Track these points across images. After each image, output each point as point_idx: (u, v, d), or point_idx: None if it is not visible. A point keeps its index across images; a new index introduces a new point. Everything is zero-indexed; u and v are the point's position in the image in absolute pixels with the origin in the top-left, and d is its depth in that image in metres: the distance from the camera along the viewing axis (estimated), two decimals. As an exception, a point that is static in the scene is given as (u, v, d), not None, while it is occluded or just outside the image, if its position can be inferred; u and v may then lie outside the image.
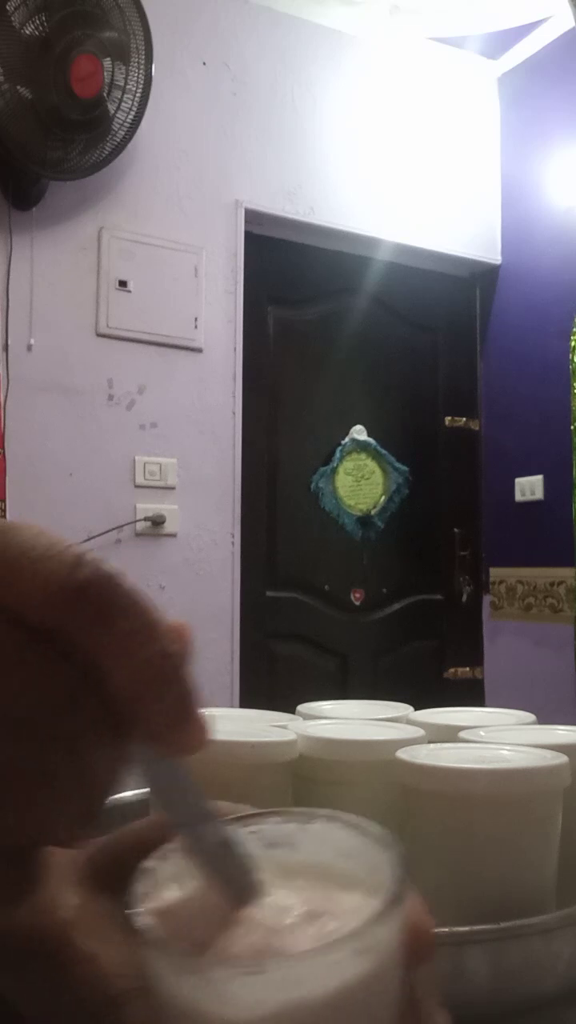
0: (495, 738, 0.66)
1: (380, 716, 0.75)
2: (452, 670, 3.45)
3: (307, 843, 0.30)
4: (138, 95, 2.61)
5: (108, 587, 0.26)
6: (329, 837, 0.29)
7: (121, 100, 2.59)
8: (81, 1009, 0.29)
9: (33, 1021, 0.32)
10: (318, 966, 0.24)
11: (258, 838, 0.30)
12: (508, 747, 0.61)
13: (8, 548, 0.25)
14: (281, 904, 0.28)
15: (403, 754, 0.59)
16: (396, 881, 0.26)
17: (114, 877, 0.29)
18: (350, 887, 0.28)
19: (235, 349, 2.95)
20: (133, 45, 2.56)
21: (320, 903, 0.27)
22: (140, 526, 2.75)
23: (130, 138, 2.65)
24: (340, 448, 3.25)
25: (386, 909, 0.25)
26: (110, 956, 0.30)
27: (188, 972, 0.25)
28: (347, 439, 3.27)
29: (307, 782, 0.63)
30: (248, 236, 3.01)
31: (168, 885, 0.28)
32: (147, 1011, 0.28)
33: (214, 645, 2.84)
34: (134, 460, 2.76)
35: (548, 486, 3.22)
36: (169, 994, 0.25)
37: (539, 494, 3.26)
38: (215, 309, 2.92)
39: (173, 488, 2.82)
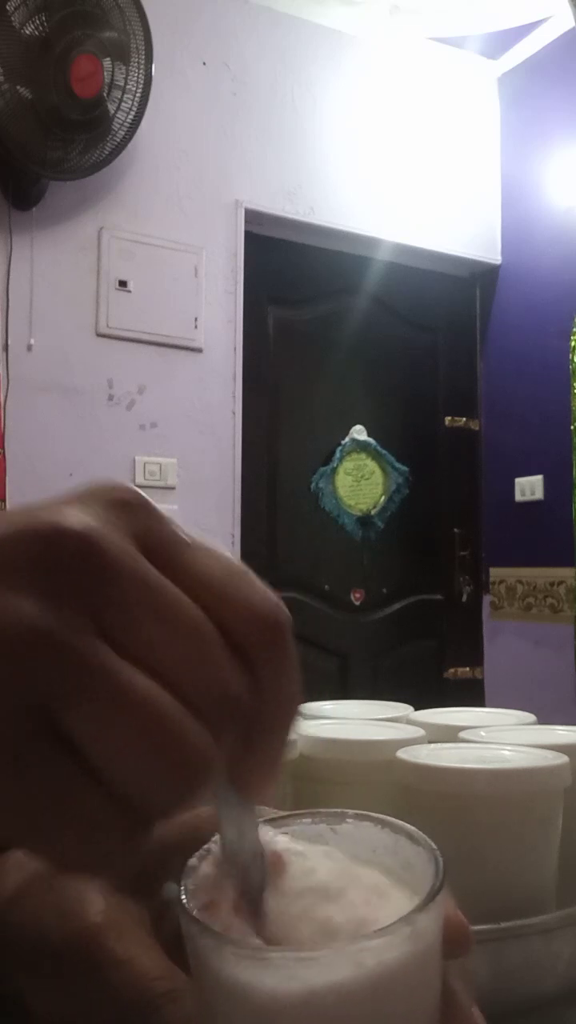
0: (495, 738, 0.66)
1: (380, 716, 0.75)
2: (452, 670, 3.45)
3: (340, 842, 0.30)
4: (138, 95, 2.61)
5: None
6: (361, 836, 0.30)
7: (121, 100, 2.59)
8: (121, 1011, 0.29)
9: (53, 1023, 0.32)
10: (365, 953, 0.25)
11: (291, 839, 0.30)
12: (508, 747, 0.61)
13: None
14: (326, 895, 0.28)
15: (403, 754, 0.59)
16: (436, 874, 0.27)
17: (138, 882, 0.29)
18: (389, 881, 0.29)
19: (235, 349, 2.95)
20: (133, 45, 2.56)
21: (362, 896, 0.28)
22: (140, 526, 2.75)
23: (130, 138, 2.65)
24: (340, 448, 3.25)
25: (428, 900, 0.26)
26: (146, 958, 0.30)
27: (244, 956, 0.25)
28: (347, 439, 3.27)
29: (307, 782, 0.63)
30: (248, 236, 3.01)
31: (210, 881, 0.29)
32: (186, 1012, 0.29)
33: (214, 645, 2.84)
34: (134, 460, 2.76)
35: (548, 486, 3.22)
36: (219, 977, 0.25)
37: (539, 494, 3.26)
38: (215, 309, 2.92)
39: (173, 488, 2.82)
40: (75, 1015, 0.31)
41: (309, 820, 0.31)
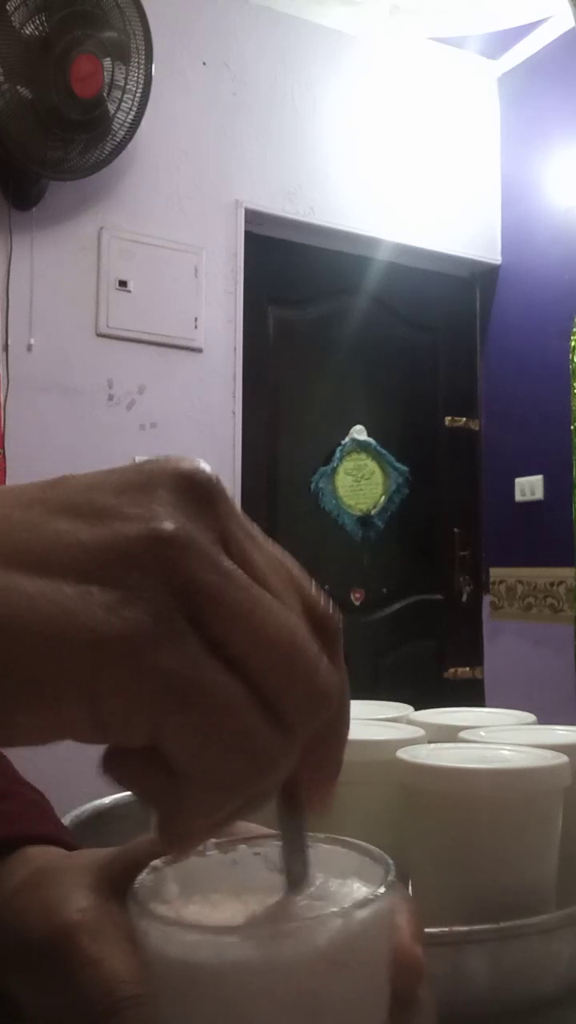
0: (495, 738, 0.66)
1: (380, 716, 0.75)
2: (452, 670, 3.45)
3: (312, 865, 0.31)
4: (138, 95, 2.61)
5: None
6: (333, 860, 0.31)
7: (121, 100, 2.59)
8: (83, 1011, 0.29)
9: (38, 1020, 0.32)
10: (302, 931, 0.26)
11: (263, 860, 0.31)
12: (508, 747, 0.61)
13: None
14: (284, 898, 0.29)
15: (403, 754, 0.59)
16: (384, 883, 0.28)
17: (126, 886, 0.30)
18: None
19: (235, 349, 2.95)
20: (133, 45, 2.56)
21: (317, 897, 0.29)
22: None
23: (130, 138, 2.65)
24: (340, 448, 3.25)
25: (363, 903, 0.27)
26: (115, 961, 0.30)
27: (165, 925, 0.26)
28: (347, 439, 3.27)
29: (307, 782, 0.63)
30: (248, 236, 3.01)
31: (172, 880, 0.29)
32: (145, 1018, 0.29)
33: (214, 645, 2.84)
34: (134, 460, 2.74)
35: (548, 486, 3.22)
36: (146, 951, 0.26)
37: (539, 494, 3.26)
38: (215, 309, 2.92)
39: (173, 488, 2.81)
40: (56, 1012, 0.32)
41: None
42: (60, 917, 0.32)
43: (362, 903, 0.27)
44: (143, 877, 0.29)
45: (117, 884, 0.32)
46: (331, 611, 0.28)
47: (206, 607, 0.25)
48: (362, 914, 0.26)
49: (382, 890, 0.27)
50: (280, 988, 0.25)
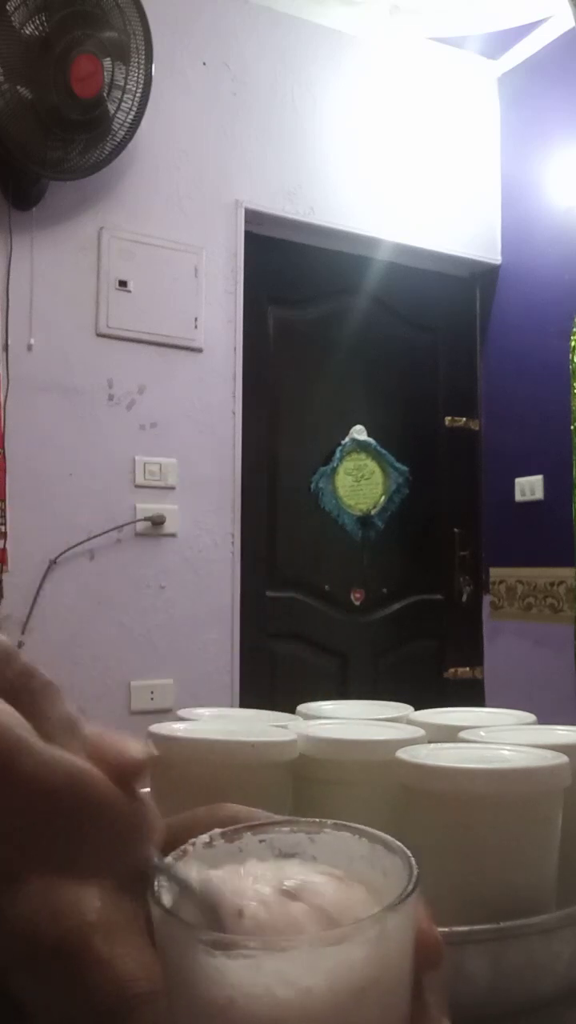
0: (495, 738, 0.66)
1: (380, 716, 0.75)
2: (452, 670, 3.45)
3: (318, 852, 0.30)
4: (138, 95, 2.61)
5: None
6: (339, 845, 0.30)
7: (121, 100, 2.59)
8: (93, 1011, 0.29)
9: (47, 1022, 0.32)
10: (328, 954, 0.25)
11: (268, 847, 0.30)
12: (508, 747, 0.61)
13: None
14: (295, 902, 0.28)
15: (403, 754, 0.59)
16: (408, 879, 0.27)
17: (138, 881, 0.29)
18: (364, 889, 0.29)
19: (235, 349, 2.95)
20: (133, 45, 2.56)
21: (334, 901, 0.28)
22: (140, 526, 2.75)
23: (130, 138, 2.65)
24: (340, 448, 3.25)
25: (397, 902, 0.26)
26: (127, 960, 0.30)
27: (208, 944, 0.25)
28: (347, 439, 3.27)
29: (307, 782, 0.63)
30: (248, 236, 3.01)
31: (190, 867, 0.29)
32: (159, 1015, 0.28)
33: (214, 645, 2.84)
34: (134, 460, 2.76)
35: (548, 486, 3.22)
36: (181, 966, 0.26)
37: (539, 494, 3.26)
38: (215, 309, 2.92)
39: (173, 488, 2.82)
40: (67, 1015, 0.31)
41: (288, 829, 0.31)
42: (71, 919, 0.32)
43: (396, 902, 0.26)
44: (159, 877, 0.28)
45: (127, 883, 0.32)
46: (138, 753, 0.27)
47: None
48: (395, 914, 0.26)
49: (411, 885, 0.27)
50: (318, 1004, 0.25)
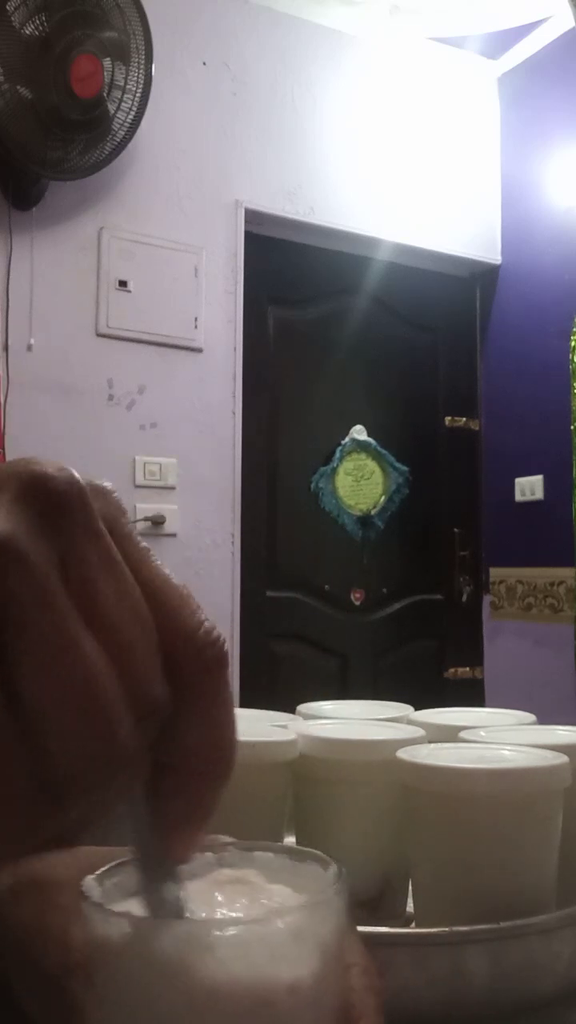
0: (495, 738, 0.66)
1: (380, 716, 0.75)
2: (452, 670, 3.45)
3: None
4: (138, 95, 2.61)
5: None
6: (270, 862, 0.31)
7: (121, 100, 2.59)
8: None
9: None
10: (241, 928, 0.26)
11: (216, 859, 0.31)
12: (508, 747, 0.61)
13: None
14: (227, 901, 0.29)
15: (403, 754, 0.59)
16: (334, 882, 0.28)
17: None
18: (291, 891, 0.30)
19: (235, 349, 2.95)
20: (133, 45, 2.56)
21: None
22: (140, 526, 2.75)
23: (130, 138, 2.65)
24: (340, 448, 3.25)
25: (318, 899, 0.27)
26: None
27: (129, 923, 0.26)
28: (347, 439, 3.27)
29: (307, 782, 0.63)
30: (248, 236, 3.01)
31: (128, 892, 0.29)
32: None
33: (214, 645, 2.83)
34: (134, 460, 2.76)
35: (548, 486, 3.22)
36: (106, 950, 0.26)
37: (539, 494, 3.26)
38: (215, 309, 2.92)
39: (173, 488, 2.82)
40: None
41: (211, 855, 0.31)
42: (56, 949, 0.32)
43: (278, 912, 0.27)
44: (94, 878, 0.28)
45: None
46: (217, 637, 0.26)
47: (10, 635, 0.22)
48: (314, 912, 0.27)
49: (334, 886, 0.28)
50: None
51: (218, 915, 0.28)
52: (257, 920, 0.27)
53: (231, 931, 0.26)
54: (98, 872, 0.29)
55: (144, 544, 0.26)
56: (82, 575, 0.23)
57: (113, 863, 0.29)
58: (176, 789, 0.26)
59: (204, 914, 0.28)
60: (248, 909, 0.28)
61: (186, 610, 0.26)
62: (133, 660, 0.24)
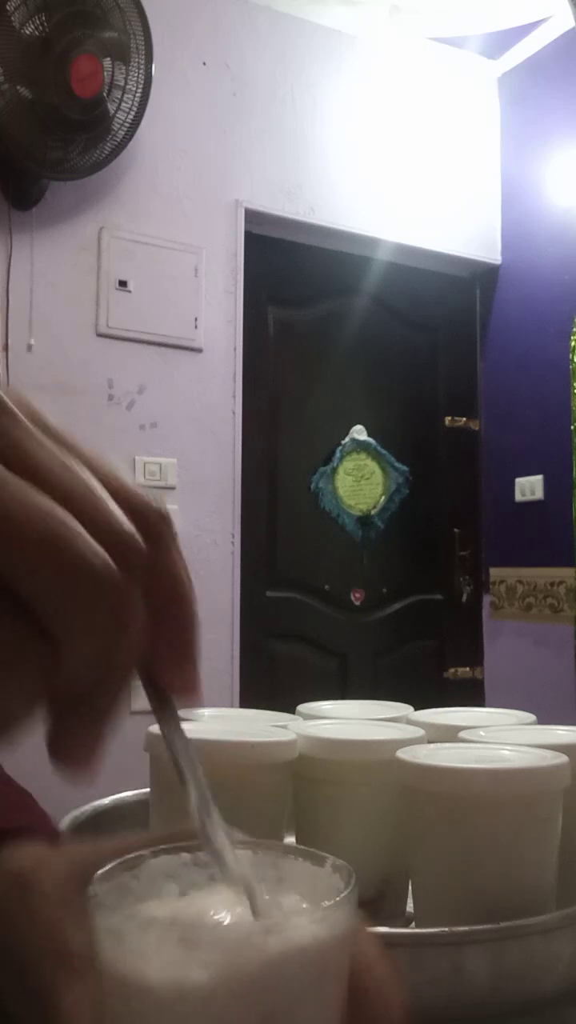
0: (495, 738, 0.66)
1: (380, 716, 0.75)
2: (452, 670, 3.45)
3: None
4: (138, 95, 2.61)
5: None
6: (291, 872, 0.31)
7: (121, 100, 2.59)
8: None
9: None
10: (245, 939, 0.26)
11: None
12: (508, 747, 0.61)
13: None
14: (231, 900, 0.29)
15: (403, 754, 0.59)
16: (345, 886, 0.29)
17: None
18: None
19: (235, 349, 2.95)
20: (133, 45, 2.56)
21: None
22: (140, 526, 2.75)
23: (130, 138, 2.65)
24: (340, 448, 3.25)
25: (330, 906, 0.28)
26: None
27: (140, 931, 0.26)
28: (347, 439, 3.27)
29: (307, 782, 0.63)
30: (248, 236, 3.01)
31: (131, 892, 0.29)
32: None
33: (214, 645, 2.84)
34: (134, 460, 2.76)
35: (548, 486, 3.22)
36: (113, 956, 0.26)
37: (539, 494, 3.26)
38: (215, 309, 2.92)
39: (173, 488, 2.82)
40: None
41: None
42: (58, 950, 0.32)
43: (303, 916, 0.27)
44: (98, 884, 0.29)
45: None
46: (157, 501, 0.28)
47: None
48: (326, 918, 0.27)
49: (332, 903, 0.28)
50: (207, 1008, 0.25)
51: (233, 919, 0.28)
52: (272, 928, 0.27)
53: (241, 937, 0.26)
54: (101, 872, 0.29)
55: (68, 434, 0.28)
56: (21, 455, 0.25)
57: (112, 864, 0.29)
58: (161, 635, 0.27)
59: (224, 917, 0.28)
60: (263, 914, 0.29)
61: (121, 478, 0.28)
62: (92, 504, 0.25)
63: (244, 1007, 0.26)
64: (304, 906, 0.29)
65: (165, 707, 0.29)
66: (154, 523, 0.27)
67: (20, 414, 0.26)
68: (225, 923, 0.28)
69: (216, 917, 0.28)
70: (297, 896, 0.29)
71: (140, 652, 0.27)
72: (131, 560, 0.25)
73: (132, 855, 0.30)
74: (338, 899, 0.28)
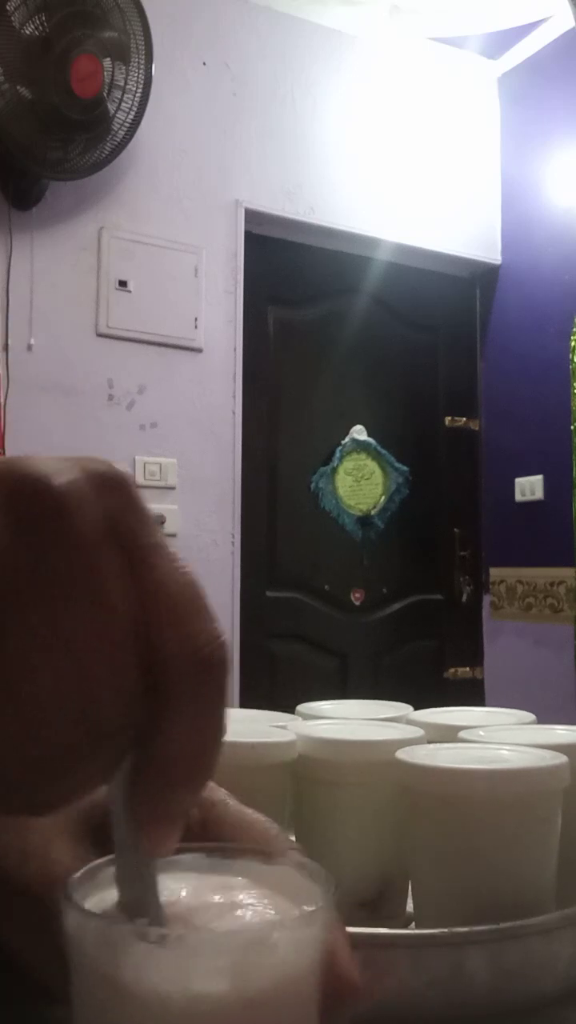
0: (495, 738, 0.66)
1: (380, 716, 0.75)
2: (452, 670, 3.45)
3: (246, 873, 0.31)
4: (138, 95, 2.61)
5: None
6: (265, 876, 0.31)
7: (121, 100, 2.59)
8: (59, 955, 0.29)
9: (29, 968, 0.32)
10: (218, 947, 0.26)
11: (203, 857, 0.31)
12: (508, 747, 0.61)
13: None
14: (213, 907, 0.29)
15: (403, 754, 0.59)
16: (318, 905, 0.28)
17: (106, 835, 0.29)
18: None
19: (235, 349, 2.95)
20: (133, 45, 2.57)
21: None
22: (140, 526, 2.75)
23: (130, 138, 2.65)
24: (340, 448, 3.25)
25: (295, 920, 0.27)
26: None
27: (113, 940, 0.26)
28: (347, 439, 3.27)
29: (307, 782, 0.63)
30: (248, 236, 3.01)
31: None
32: None
33: (214, 645, 2.83)
34: (134, 460, 2.76)
35: (548, 486, 3.22)
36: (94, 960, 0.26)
37: (539, 494, 3.26)
38: (215, 309, 2.92)
39: (173, 488, 2.82)
40: (34, 957, 0.32)
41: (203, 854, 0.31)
42: (37, 865, 0.32)
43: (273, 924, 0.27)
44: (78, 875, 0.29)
45: (97, 833, 0.32)
46: (217, 643, 0.26)
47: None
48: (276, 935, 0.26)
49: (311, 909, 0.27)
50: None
51: (197, 923, 0.28)
52: (233, 932, 0.27)
53: (202, 940, 0.26)
54: (84, 870, 0.29)
55: (157, 539, 0.26)
56: (47, 593, 0.24)
57: (97, 862, 0.29)
58: (152, 787, 0.26)
59: (183, 921, 0.28)
60: (227, 919, 0.28)
61: (190, 611, 0.26)
62: (90, 685, 0.24)
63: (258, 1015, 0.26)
64: (281, 911, 0.29)
65: (131, 857, 0.28)
66: (201, 673, 0.26)
67: (86, 523, 0.25)
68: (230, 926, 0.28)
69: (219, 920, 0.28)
70: (275, 900, 0.29)
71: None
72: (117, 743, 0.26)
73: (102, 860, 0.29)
74: (322, 903, 0.27)
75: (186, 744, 0.26)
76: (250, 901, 0.29)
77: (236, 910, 0.29)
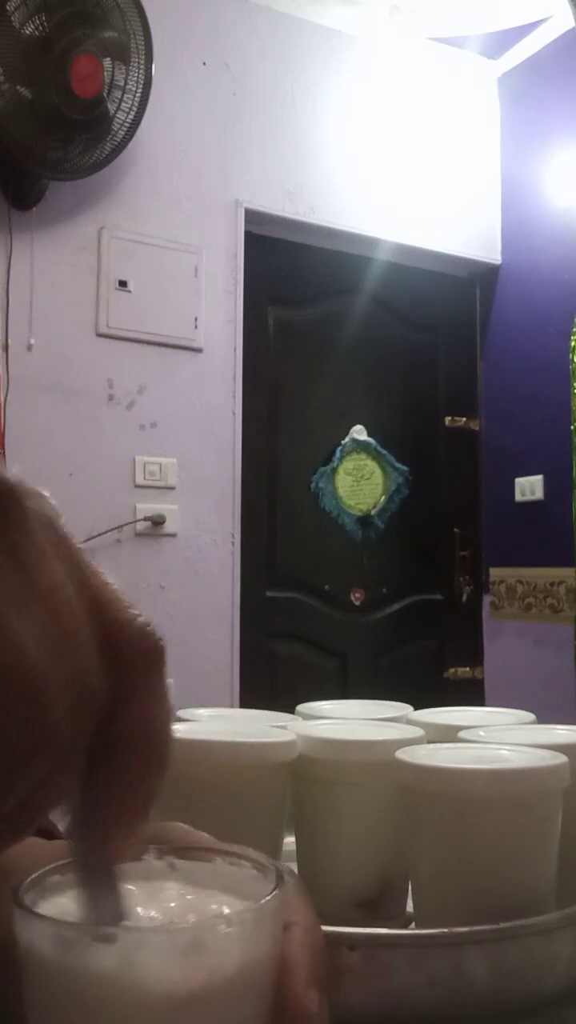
0: (495, 738, 0.66)
1: (380, 716, 0.75)
2: (452, 670, 3.45)
3: (180, 878, 0.32)
4: (138, 95, 2.61)
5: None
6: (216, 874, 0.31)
7: (121, 100, 2.59)
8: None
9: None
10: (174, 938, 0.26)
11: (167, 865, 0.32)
12: (508, 747, 0.61)
13: None
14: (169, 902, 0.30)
15: (403, 754, 0.59)
16: (272, 887, 0.28)
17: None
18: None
19: (235, 349, 2.95)
20: (133, 45, 2.56)
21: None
22: (140, 526, 2.75)
23: (130, 138, 2.65)
24: (340, 448, 3.25)
25: (255, 906, 0.28)
26: None
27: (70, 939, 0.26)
28: (347, 439, 3.27)
29: (307, 782, 0.63)
30: (248, 236, 3.01)
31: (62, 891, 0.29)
32: None
33: (214, 645, 2.84)
34: (134, 460, 2.76)
35: (548, 486, 3.22)
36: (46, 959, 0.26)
37: (539, 494, 3.26)
38: (215, 309, 2.92)
39: (173, 488, 2.82)
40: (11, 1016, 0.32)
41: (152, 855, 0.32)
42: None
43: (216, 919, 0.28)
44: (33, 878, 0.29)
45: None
46: (149, 630, 0.27)
47: None
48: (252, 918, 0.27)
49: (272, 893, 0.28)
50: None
51: (151, 921, 0.29)
52: (184, 928, 0.28)
53: (159, 938, 0.27)
54: (37, 873, 0.29)
55: (79, 546, 0.27)
56: (13, 566, 0.24)
57: (55, 864, 0.29)
58: (110, 784, 0.26)
59: (139, 920, 0.28)
60: (180, 915, 0.29)
61: (120, 604, 0.26)
62: (65, 646, 0.24)
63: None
64: (231, 907, 0.29)
65: (92, 862, 0.27)
66: (142, 654, 0.27)
67: (30, 519, 0.26)
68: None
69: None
70: (226, 897, 0.30)
71: (58, 797, 0.25)
72: (84, 717, 0.25)
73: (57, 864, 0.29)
74: (270, 896, 0.28)
75: (142, 725, 0.26)
76: (201, 899, 0.30)
77: (187, 909, 0.29)
